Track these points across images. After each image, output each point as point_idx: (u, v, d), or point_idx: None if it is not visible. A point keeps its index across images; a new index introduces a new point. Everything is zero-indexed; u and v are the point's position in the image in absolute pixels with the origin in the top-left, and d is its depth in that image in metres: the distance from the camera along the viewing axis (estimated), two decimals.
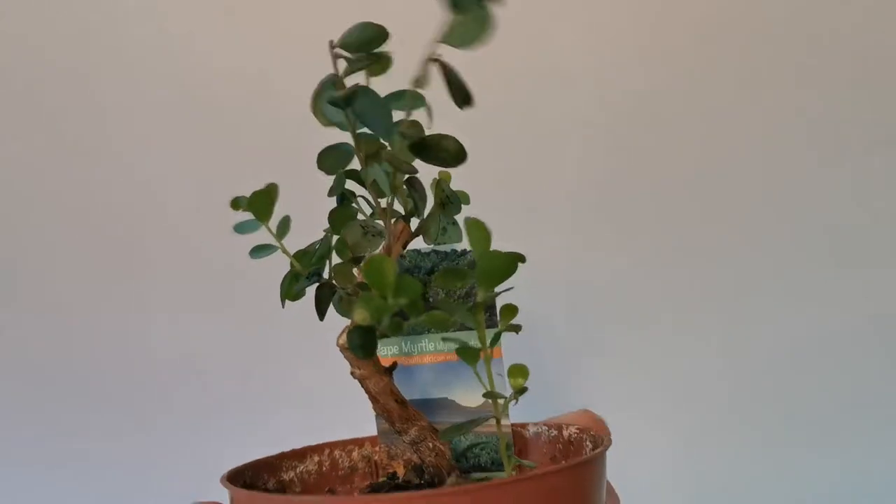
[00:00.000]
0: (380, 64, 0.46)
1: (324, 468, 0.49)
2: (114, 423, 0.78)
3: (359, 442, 0.51)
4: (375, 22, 0.45)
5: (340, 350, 0.40)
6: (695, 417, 0.82)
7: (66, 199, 0.78)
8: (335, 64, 0.46)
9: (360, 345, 0.34)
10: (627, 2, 0.78)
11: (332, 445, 0.50)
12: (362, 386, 0.41)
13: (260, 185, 0.76)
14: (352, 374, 0.40)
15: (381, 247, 0.41)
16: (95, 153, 0.78)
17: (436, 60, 0.37)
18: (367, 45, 0.45)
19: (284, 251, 0.47)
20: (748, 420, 0.80)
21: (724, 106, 0.79)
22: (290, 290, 0.47)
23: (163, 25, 0.77)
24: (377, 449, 0.51)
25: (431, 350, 0.49)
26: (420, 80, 0.38)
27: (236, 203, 0.48)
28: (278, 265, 0.76)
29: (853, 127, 0.78)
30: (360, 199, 0.47)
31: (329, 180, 0.46)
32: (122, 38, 0.77)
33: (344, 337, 0.39)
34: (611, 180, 0.80)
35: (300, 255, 0.46)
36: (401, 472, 0.49)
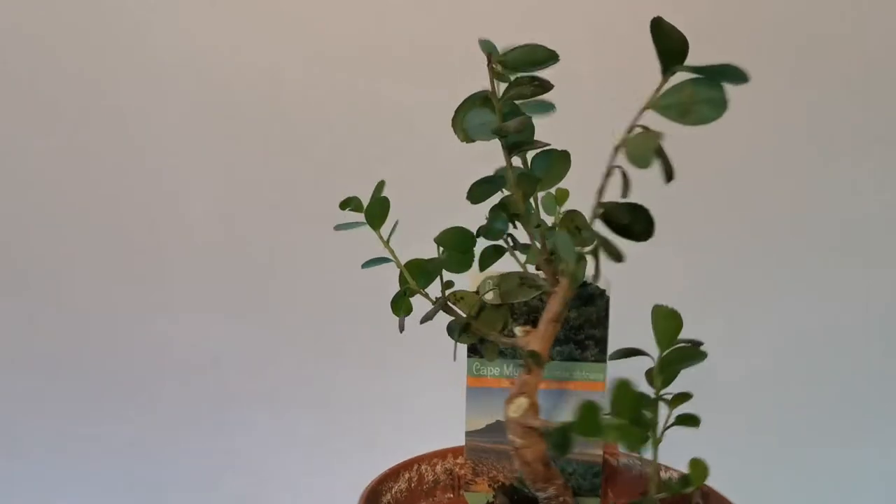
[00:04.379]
0: (541, 87, 0.43)
1: (412, 485, 0.48)
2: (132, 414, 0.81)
3: (441, 454, 0.51)
4: (545, 45, 0.41)
5: (508, 422, 0.39)
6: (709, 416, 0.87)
7: (88, 200, 0.78)
8: (492, 81, 0.42)
9: (560, 444, 0.33)
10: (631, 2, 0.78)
11: (419, 460, 0.49)
12: (515, 452, 0.40)
13: (285, 189, 0.78)
14: (511, 442, 0.39)
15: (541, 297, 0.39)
16: (117, 155, 0.78)
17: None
18: (531, 66, 0.42)
19: (398, 264, 0.44)
20: (763, 416, 0.82)
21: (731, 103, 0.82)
22: (402, 304, 0.45)
23: (185, 31, 0.76)
24: (459, 461, 0.51)
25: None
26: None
27: (346, 203, 0.44)
28: (285, 263, 0.78)
29: (859, 123, 0.78)
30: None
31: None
32: (143, 45, 0.76)
33: (517, 410, 0.38)
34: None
35: (416, 272, 0.43)
36: (483, 488, 0.49)
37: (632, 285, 0.83)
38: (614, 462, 0.50)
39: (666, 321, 0.36)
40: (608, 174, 0.36)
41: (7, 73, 0.78)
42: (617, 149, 0.35)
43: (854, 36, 0.78)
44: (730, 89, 0.76)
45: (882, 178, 0.80)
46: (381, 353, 0.73)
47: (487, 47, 0.43)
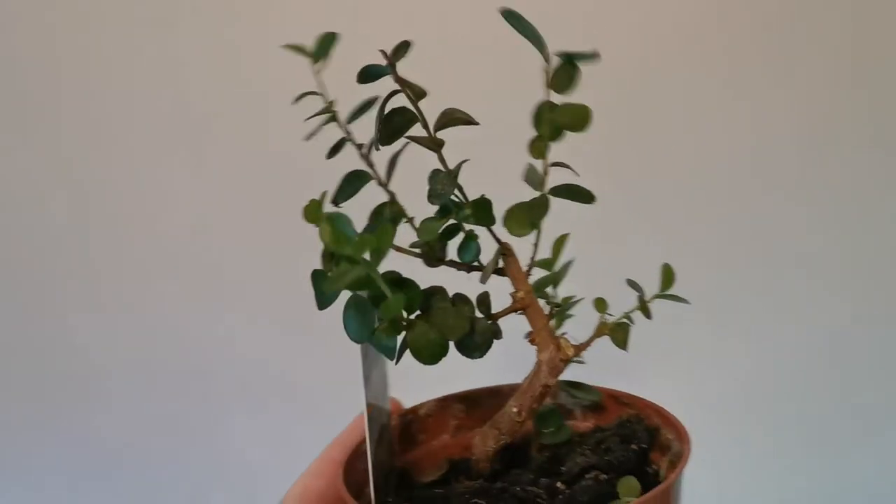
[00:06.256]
0: None
1: None
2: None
3: None
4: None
5: (556, 365, 0.42)
6: (713, 417, 0.80)
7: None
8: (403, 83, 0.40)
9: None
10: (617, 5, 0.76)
11: None
12: (542, 394, 0.43)
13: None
14: (547, 385, 0.42)
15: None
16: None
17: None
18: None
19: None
20: (769, 419, 0.83)
21: (716, 106, 0.78)
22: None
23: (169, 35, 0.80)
24: None
25: None
26: None
27: None
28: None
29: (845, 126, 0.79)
30: None
31: None
32: (130, 47, 0.80)
33: (570, 349, 0.41)
34: (604, 184, 0.73)
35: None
36: None
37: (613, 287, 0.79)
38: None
39: None
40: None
41: None
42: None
43: (848, 35, 0.78)
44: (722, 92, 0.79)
45: (875, 180, 0.80)
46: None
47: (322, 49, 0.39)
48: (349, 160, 0.44)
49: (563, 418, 0.49)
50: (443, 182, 0.40)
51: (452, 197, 0.42)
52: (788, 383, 0.81)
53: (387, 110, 0.39)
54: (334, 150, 0.41)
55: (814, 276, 0.80)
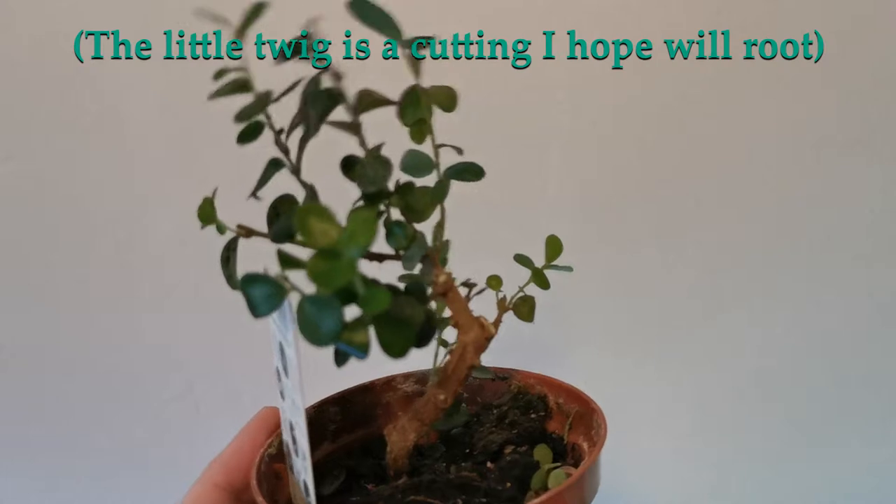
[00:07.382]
0: None
1: None
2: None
3: None
4: None
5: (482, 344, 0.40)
6: (702, 421, 0.82)
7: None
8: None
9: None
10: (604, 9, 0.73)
11: None
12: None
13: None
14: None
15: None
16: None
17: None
18: None
19: None
20: (757, 423, 0.82)
21: (708, 110, 0.76)
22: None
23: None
24: None
25: None
26: None
27: None
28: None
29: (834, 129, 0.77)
30: None
31: None
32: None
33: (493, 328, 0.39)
34: (590, 189, 0.77)
35: None
36: None
37: (630, 285, 0.79)
38: None
39: None
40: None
41: None
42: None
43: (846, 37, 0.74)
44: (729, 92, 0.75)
45: (869, 179, 0.78)
46: None
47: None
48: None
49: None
50: (373, 166, 0.37)
51: None
52: (787, 384, 0.81)
53: (312, 90, 0.36)
54: (248, 135, 0.36)
55: (813, 276, 0.79)
